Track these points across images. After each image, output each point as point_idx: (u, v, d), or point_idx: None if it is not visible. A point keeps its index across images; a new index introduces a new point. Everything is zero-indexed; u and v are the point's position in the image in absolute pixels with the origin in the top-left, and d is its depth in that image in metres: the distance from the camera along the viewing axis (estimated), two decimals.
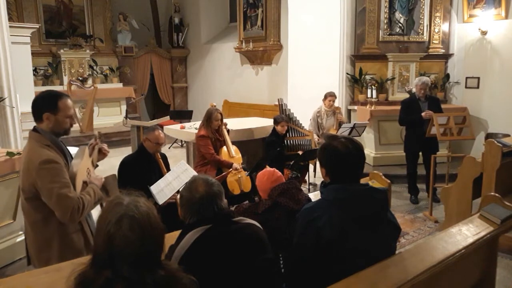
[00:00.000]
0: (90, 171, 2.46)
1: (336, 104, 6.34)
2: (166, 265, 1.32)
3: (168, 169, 3.84)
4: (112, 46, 10.61)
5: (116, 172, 3.53)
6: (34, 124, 2.33)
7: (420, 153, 5.35)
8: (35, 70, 8.70)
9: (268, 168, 2.61)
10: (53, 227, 2.29)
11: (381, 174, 2.96)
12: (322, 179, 1.97)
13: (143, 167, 3.65)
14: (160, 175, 3.69)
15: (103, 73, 10.27)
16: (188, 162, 5.66)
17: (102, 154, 2.64)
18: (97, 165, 2.70)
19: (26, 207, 2.34)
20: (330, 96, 5.92)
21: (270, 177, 2.48)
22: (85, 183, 2.36)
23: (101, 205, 2.43)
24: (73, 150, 2.65)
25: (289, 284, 1.96)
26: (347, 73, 6.98)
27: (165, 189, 3.42)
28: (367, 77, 6.95)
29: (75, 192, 2.23)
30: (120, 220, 1.24)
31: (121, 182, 3.42)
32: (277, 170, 2.55)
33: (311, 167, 5.78)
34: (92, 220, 2.57)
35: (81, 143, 2.49)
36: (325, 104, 5.95)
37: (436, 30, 7.02)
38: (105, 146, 2.65)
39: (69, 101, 2.33)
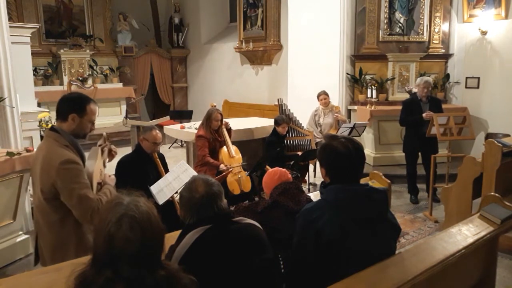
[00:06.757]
0: (102, 171, 2.48)
1: (336, 104, 6.35)
2: (166, 265, 1.32)
3: (166, 169, 3.83)
4: (112, 46, 10.60)
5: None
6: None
7: (420, 153, 5.35)
8: (35, 70, 8.68)
9: (280, 168, 2.56)
10: (70, 227, 2.29)
11: (381, 174, 2.96)
12: (322, 179, 1.98)
13: (141, 166, 3.64)
14: (158, 174, 3.68)
15: (103, 73, 10.26)
16: (188, 162, 5.67)
17: (111, 155, 2.64)
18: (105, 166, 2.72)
19: (44, 208, 2.30)
20: (320, 95, 6.04)
21: (281, 177, 2.42)
22: (99, 184, 2.38)
23: None
24: None
25: (289, 285, 1.96)
26: (347, 73, 6.98)
27: (165, 189, 3.42)
28: (367, 77, 6.95)
29: (94, 193, 2.24)
30: (120, 220, 1.24)
31: (118, 181, 3.41)
32: (288, 172, 2.51)
33: (311, 167, 5.79)
34: None
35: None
36: (320, 104, 6.05)
37: (436, 30, 7.02)
38: (113, 147, 2.65)
39: (96, 107, 2.34)
